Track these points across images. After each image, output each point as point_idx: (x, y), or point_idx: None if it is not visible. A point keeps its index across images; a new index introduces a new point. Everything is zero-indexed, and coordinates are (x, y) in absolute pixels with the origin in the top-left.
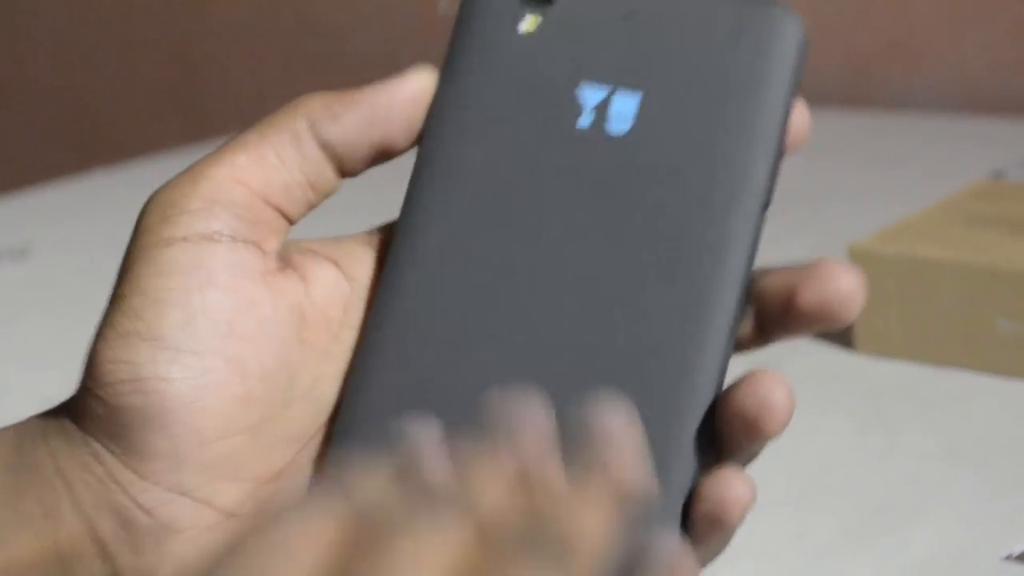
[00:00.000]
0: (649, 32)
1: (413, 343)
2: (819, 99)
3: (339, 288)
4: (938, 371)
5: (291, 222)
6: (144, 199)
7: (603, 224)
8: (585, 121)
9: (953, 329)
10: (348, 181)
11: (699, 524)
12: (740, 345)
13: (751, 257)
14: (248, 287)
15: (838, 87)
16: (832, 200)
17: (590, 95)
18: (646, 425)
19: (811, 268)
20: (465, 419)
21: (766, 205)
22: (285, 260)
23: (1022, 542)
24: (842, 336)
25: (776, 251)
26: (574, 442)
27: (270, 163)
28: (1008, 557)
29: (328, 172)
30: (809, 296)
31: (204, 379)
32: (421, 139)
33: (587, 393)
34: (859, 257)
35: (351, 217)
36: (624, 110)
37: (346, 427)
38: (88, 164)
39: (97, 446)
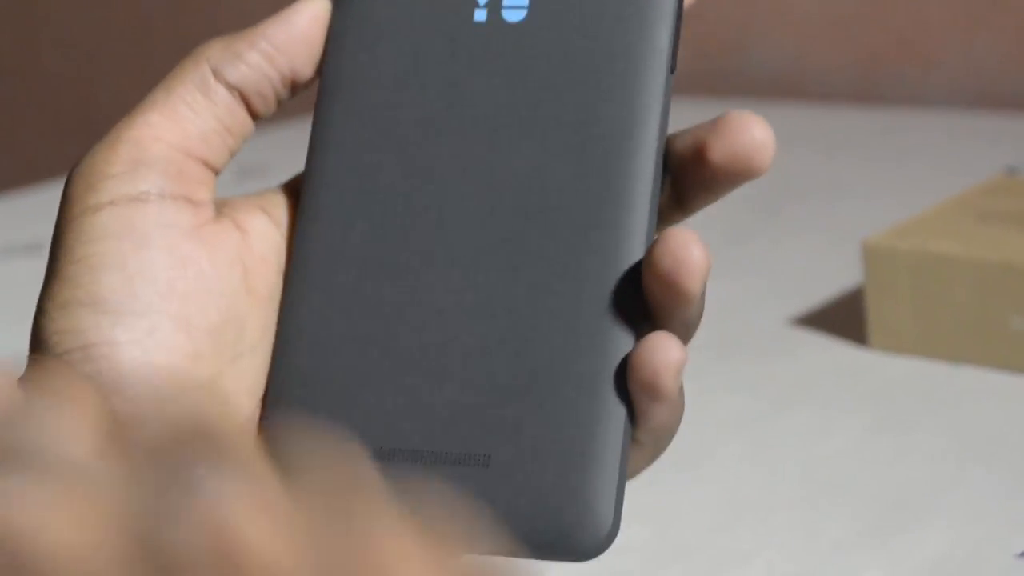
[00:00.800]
0: None
1: (330, 286)
2: (832, 96)
3: (272, 235)
4: (951, 367)
5: (216, 171)
6: None
7: (513, 113)
8: (480, 15)
9: (966, 325)
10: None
11: (638, 396)
12: (663, 218)
13: (663, 122)
14: (183, 243)
15: (851, 84)
16: (845, 196)
17: None
18: (576, 298)
19: (719, 121)
20: (393, 361)
21: (672, 69)
22: (218, 211)
23: None
24: (855, 332)
25: (789, 246)
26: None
27: (182, 115)
28: (1022, 554)
29: (241, 113)
30: (720, 149)
31: (151, 339)
32: (323, 58)
33: (514, 271)
34: (873, 253)
35: None
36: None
37: (276, 391)
38: None
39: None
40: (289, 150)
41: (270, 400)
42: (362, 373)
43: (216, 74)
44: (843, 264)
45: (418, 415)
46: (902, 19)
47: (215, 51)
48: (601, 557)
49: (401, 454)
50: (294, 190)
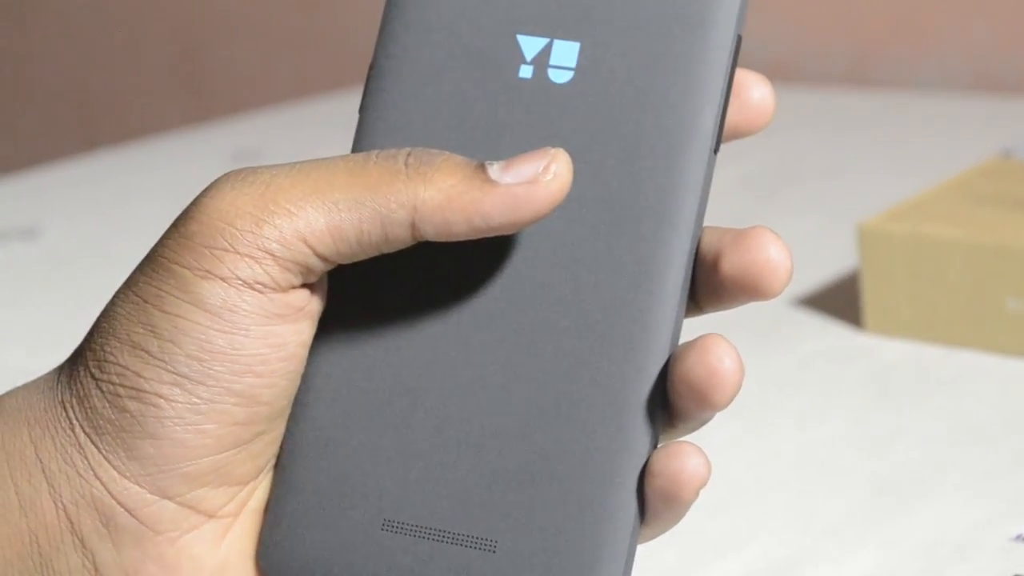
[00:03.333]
0: None
1: (350, 357)
2: (826, 79)
3: None
4: (946, 350)
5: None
6: (150, 180)
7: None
8: (526, 71)
9: (962, 308)
10: None
11: (653, 501)
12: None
13: (702, 206)
14: (277, 330)
15: (845, 67)
16: (840, 180)
17: (529, 45)
18: (599, 389)
19: (740, 233)
20: (408, 436)
21: (715, 149)
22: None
23: None
24: (851, 315)
25: (785, 229)
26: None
27: (347, 237)
28: (1016, 537)
29: (406, 245)
30: (733, 263)
31: (207, 407)
32: (363, 100)
33: (538, 355)
34: (868, 236)
35: None
36: (564, 60)
37: (288, 456)
38: (94, 144)
39: (83, 437)
40: (284, 133)
41: (280, 464)
42: (376, 445)
43: (413, 226)
44: (839, 247)
45: (429, 492)
46: (898, 2)
47: (428, 207)
48: None
49: (408, 528)
50: None
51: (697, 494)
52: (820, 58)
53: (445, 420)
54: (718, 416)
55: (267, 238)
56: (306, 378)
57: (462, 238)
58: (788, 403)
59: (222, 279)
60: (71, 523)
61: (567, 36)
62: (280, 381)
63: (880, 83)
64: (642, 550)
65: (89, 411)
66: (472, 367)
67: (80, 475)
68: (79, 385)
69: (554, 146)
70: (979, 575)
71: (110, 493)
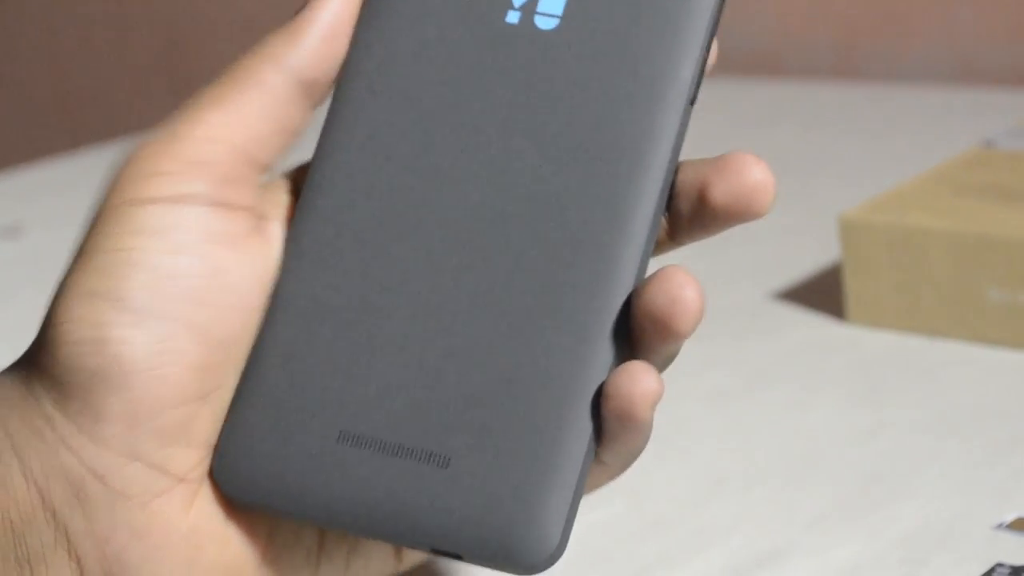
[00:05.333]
0: None
1: (316, 273)
2: (809, 71)
3: None
4: (929, 341)
5: (267, 171)
6: None
7: (528, 120)
8: (513, 17)
9: (944, 298)
10: None
11: (609, 422)
12: (655, 247)
13: (675, 153)
14: (218, 252)
15: (828, 59)
16: (822, 171)
17: None
18: (561, 316)
19: (721, 162)
20: (368, 351)
21: (692, 100)
22: (260, 216)
23: (1013, 511)
24: (834, 307)
25: (767, 221)
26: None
27: (244, 117)
28: (999, 526)
29: (303, 107)
30: (722, 189)
31: (164, 345)
32: (351, 41)
33: (503, 281)
34: (849, 227)
35: None
36: (551, 7)
37: (249, 367)
38: (78, 142)
39: (50, 409)
40: None
41: (241, 377)
42: (336, 359)
43: (281, 70)
44: (822, 239)
45: (386, 406)
46: None
47: (278, 42)
48: (577, 533)
49: (363, 441)
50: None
51: (651, 411)
52: (803, 50)
53: (407, 338)
54: (700, 407)
55: (184, 149)
56: (272, 296)
57: (320, 47)
58: (771, 395)
59: (155, 200)
60: (42, 497)
61: None
62: (230, 316)
63: (863, 75)
64: (623, 543)
65: (52, 380)
66: (437, 288)
67: (49, 447)
68: (41, 358)
69: (536, 91)
70: (963, 564)
71: (80, 460)
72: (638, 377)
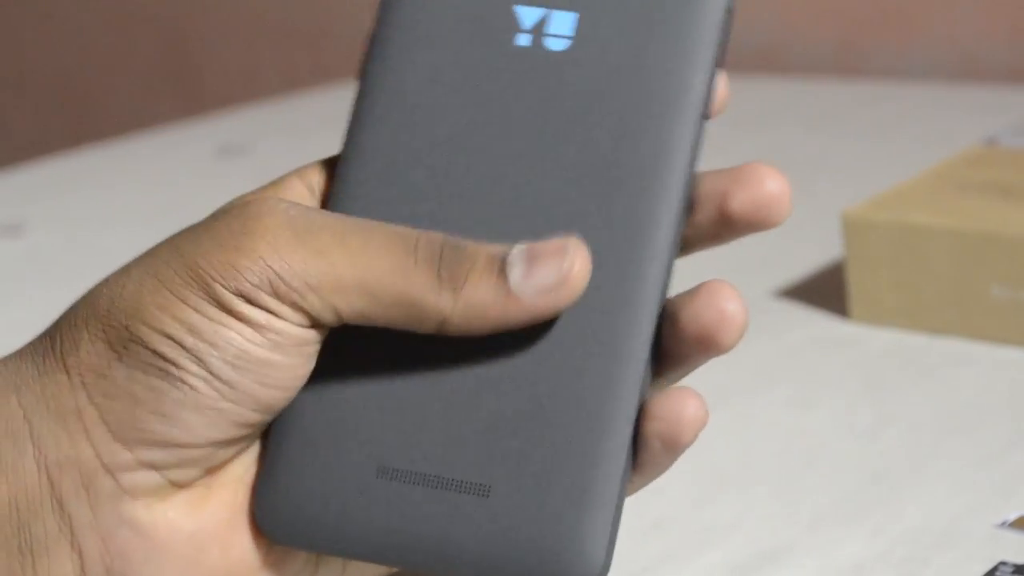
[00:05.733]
0: None
1: None
2: (812, 69)
3: None
4: (931, 338)
5: None
6: (136, 176)
7: (543, 143)
8: (524, 40)
9: (947, 295)
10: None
11: (651, 443)
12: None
13: (692, 169)
14: (307, 351)
15: (831, 57)
16: (825, 169)
17: (526, 16)
18: (592, 338)
19: (739, 172)
20: (404, 384)
21: (706, 115)
22: None
23: (1016, 509)
24: (837, 304)
25: None
26: None
27: (377, 318)
28: (1002, 524)
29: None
30: (741, 199)
31: (228, 407)
32: (362, 68)
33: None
34: (852, 224)
35: None
36: (561, 29)
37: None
38: (81, 140)
39: (83, 398)
40: (271, 128)
41: (272, 431)
42: (370, 393)
43: (440, 326)
44: (824, 237)
45: (423, 439)
46: None
47: (455, 307)
48: None
49: (402, 475)
50: (302, 180)
51: (696, 437)
52: (806, 47)
53: (439, 369)
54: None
55: (310, 303)
56: None
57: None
58: (774, 392)
59: (268, 311)
60: (52, 485)
61: (564, 7)
62: (292, 394)
63: (865, 73)
64: (625, 541)
65: (102, 379)
66: None
67: (70, 436)
68: (93, 355)
69: (550, 111)
70: (965, 563)
71: (97, 454)
72: (686, 402)
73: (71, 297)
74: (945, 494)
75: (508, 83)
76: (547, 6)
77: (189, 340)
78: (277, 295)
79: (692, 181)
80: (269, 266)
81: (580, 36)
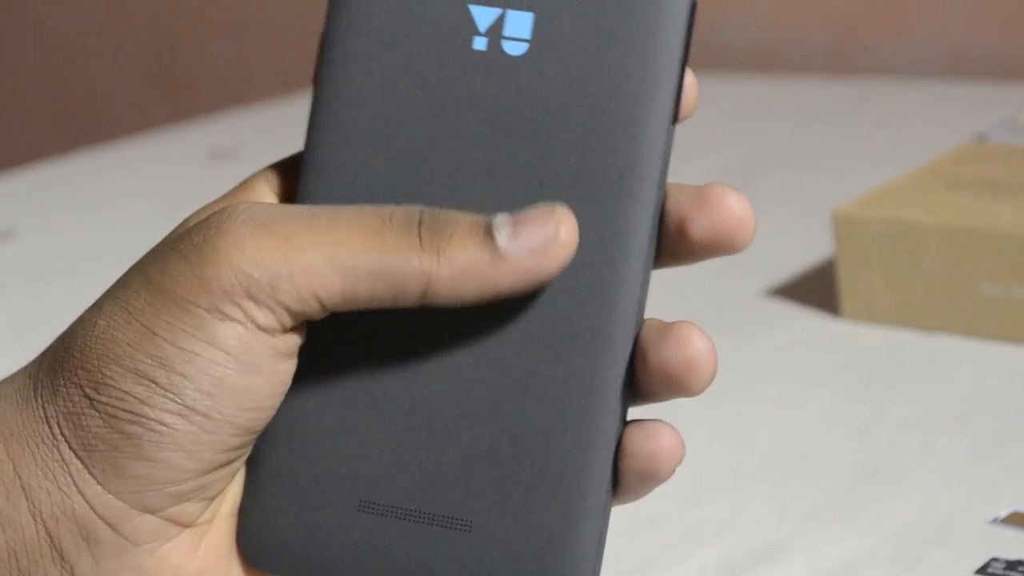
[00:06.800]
0: None
1: (321, 346)
2: (802, 66)
3: None
4: (923, 336)
5: None
6: (127, 181)
7: (510, 151)
8: (480, 43)
9: (938, 293)
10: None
11: (628, 480)
12: None
13: (663, 178)
14: (284, 366)
15: (821, 54)
16: (815, 167)
17: (482, 16)
18: (566, 369)
19: (699, 195)
20: (381, 418)
21: (674, 120)
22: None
23: (1007, 505)
24: (828, 302)
25: (762, 218)
26: None
27: (357, 299)
28: (993, 520)
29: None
30: (702, 225)
31: (207, 437)
32: (316, 73)
33: (505, 337)
34: (843, 222)
35: None
36: (518, 31)
37: (267, 437)
38: (72, 145)
39: (68, 453)
40: (261, 132)
41: (256, 450)
42: (350, 427)
43: (425, 295)
44: (815, 235)
45: (403, 473)
46: None
47: (442, 270)
48: None
49: (383, 509)
50: (267, 182)
51: (673, 471)
52: (796, 46)
53: (417, 402)
54: (695, 404)
55: (285, 293)
56: None
57: (471, 305)
58: (765, 391)
59: (239, 323)
60: (50, 538)
61: (520, 6)
62: (272, 413)
63: (856, 71)
64: (617, 540)
65: (80, 429)
66: (442, 350)
67: (61, 490)
68: (68, 402)
69: (511, 121)
70: (958, 559)
71: (92, 508)
72: (660, 438)
73: (62, 302)
74: (937, 490)
75: (467, 91)
76: (503, 6)
77: (162, 376)
78: (252, 296)
79: (663, 191)
80: (236, 266)
81: (538, 38)
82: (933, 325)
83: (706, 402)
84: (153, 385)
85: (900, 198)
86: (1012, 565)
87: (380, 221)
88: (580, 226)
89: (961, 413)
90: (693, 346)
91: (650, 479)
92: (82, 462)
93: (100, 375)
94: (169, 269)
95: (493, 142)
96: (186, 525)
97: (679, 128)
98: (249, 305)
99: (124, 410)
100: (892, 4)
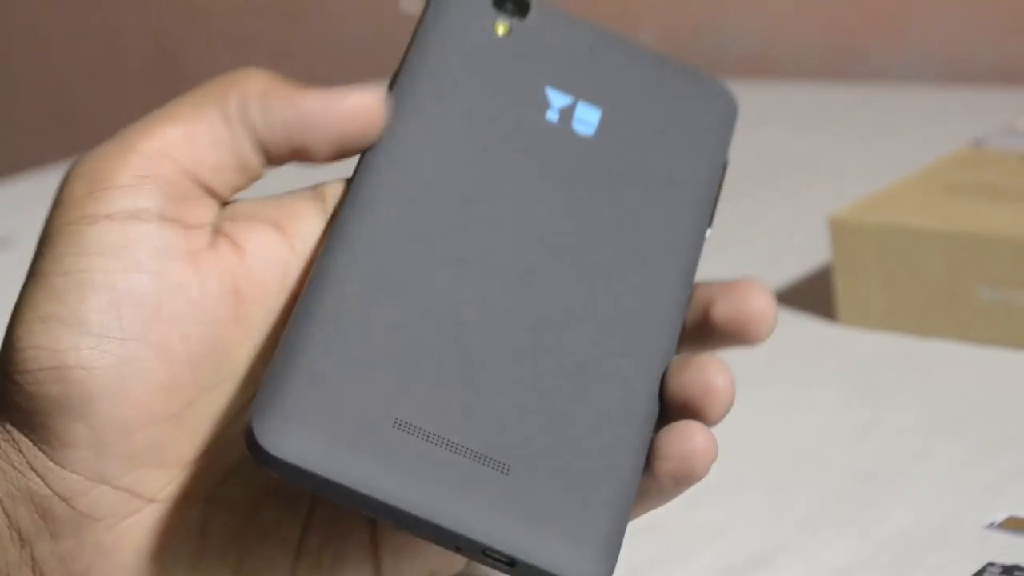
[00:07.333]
0: (612, 64)
1: (355, 316)
2: (800, 72)
3: (278, 253)
4: (920, 341)
5: (220, 202)
6: None
7: (572, 218)
8: (553, 116)
9: (935, 297)
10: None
11: (664, 482)
12: None
13: (694, 271)
14: (175, 268)
15: (819, 60)
16: (812, 173)
17: (556, 98)
18: (620, 363)
19: (728, 285)
20: (435, 346)
21: (710, 223)
22: (218, 231)
23: (1004, 510)
24: (825, 308)
25: (759, 224)
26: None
27: (201, 140)
28: (990, 525)
29: (255, 159)
30: (724, 311)
31: (127, 367)
32: (390, 96)
33: (573, 315)
34: (839, 227)
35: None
36: (587, 118)
37: (289, 350)
38: (70, 153)
39: (15, 433)
40: None
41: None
42: (403, 338)
43: (241, 111)
44: (812, 240)
45: (449, 401)
46: None
47: (251, 89)
48: None
49: (419, 432)
50: (316, 199)
51: (708, 470)
52: (793, 51)
53: (478, 338)
54: None
55: (134, 163)
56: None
57: (289, 131)
58: (762, 396)
59: (108, 217)
60: (8, 518)
61: (591, 100)
62: (191, 331)
63: (853, 76)
64: None
65: (14, 407)
66: (505, 314)
67: (16, 468)
68: (3, 384)
69: (579, 193)
70: (954, 564)
71: (47, 484)
72: (693, 438)
73: None
74: (934, 496)
75: (537, 155)
76: (576, 96)
77: (63, 310)
78: (107, 183)
79: (692, 282)
80: (82, 170)
81: (603, 131)
82: (930, 330)
83: None
84: (58, 323)
85: (897, 203)
86: (1008, 570)
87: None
88: (628, 298)
89: (958, 418)
90: (711, 372)
91: (685, 480)
92: (29, 439)
93: (12, 341)
94: (49, 219)
95: (548, 206)
96: (148, 499)
97: None
98: (111, 193)
99: (41, 368)
100: (890, 10)
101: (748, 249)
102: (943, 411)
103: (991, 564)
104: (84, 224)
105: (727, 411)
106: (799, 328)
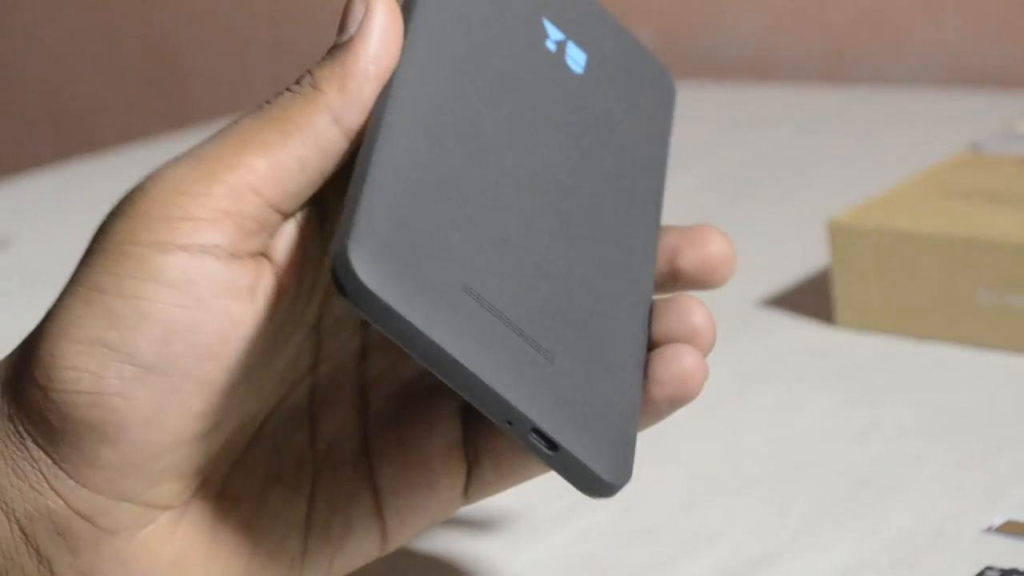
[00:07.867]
0: (592, 19)
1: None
2: (798, 75)
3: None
4: (918, 344)
5: (286, 217)
6: (125, 188)
7: (574, 142)
8: (551, 46)
9: (933, 301)
10: None
11: (660, 404)
12: None
13: (661, 214)
14: (234, 306)
15: (817, 63)
16: (811, 176)
17: (552, 31)
18: (627, 287)
19: (689, 232)
20: (503, 231)
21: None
22: (265, 257)
23: (1002, 514)
24: (823, 311)
25: (757, 227)
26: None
27: (289, 171)
28: (989, 529)
29: (342, 155)
30: (690, 259)
31: (168, 400)
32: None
33: (603, 230)
34: (838, 231)
35: None
36: (576, 58)
37: (363, 215)
38: (68, 153)
39: (36, 451)
40: None
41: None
42: (480, 210)
43: (330, 117)
44: (810, 244)
45: (514, 281)
46: None
47: (332, 93)
48: (567, 539)
49: (486, 304)
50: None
51: (702, 387)
52: (792, 55)
53: (530, 226)
54: (690, 412)
55: (219, 196)
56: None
57: (369, 99)
58: (761, 399)
59: (182, 248)
60: (25, 536)
61: (579, 42)
62: (235, 366)
63: (852, 79)
64: (613, 547)
65: (42, 424)
66: (549, 210)
67: (33, 488)
68: (25, 396)
69: (574, 123)
70: (952, 567)
71: (67, 503)
72: (683, 359)
73: None
74: (932, 499)
75: (535, 80)
76: (567, 35)
77: (113, 337)
78: (189, 216)
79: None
80: (164, 192)
81: (589, 72)
82: (928, 333)
83: (701, 410)
84: (105, 350)
85: (895, 207)
86: (1006, 574)
87: (270, 104)
88: (628, 232)
89: (956, 421)
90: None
91: (679, 401)
92: (51, 458)
93: (51, 358)
94: (110, 227)
95: (556, 127)
96: (164, 507)
97: (675, 135)
98: (191, 225)
99: (79, 391)
100: (888, 14)
101: (746, 252)
102: (941, 414)
103: (989, 568)
104: (155, 250)
105: (702, 385)
106: (798, 331)
